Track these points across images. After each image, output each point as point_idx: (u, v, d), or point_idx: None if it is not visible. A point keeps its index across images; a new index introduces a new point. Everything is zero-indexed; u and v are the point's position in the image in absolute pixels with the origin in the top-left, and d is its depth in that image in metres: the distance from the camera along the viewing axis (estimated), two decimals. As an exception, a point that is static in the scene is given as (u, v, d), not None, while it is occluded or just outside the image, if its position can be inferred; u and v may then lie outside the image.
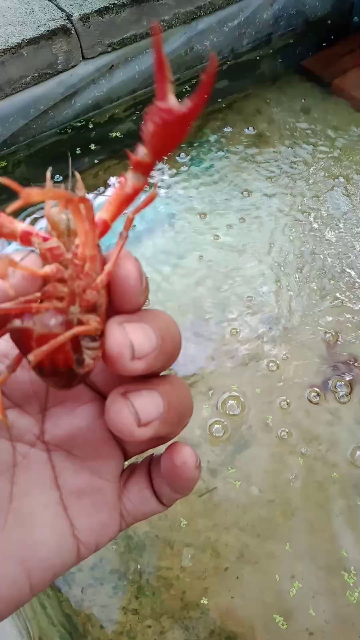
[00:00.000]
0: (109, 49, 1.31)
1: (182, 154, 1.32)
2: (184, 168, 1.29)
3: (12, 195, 0.16)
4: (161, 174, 1.28)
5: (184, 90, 1.47)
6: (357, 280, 1.07)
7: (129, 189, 0.19)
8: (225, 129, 1.37)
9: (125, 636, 0.73)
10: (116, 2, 1.26)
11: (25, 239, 0.20)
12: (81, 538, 0.23)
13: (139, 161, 0.19)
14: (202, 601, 0.75)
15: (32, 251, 0.20)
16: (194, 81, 1.49)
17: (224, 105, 1.44)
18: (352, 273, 1.08)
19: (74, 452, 0.24)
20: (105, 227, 0.20)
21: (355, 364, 0.95)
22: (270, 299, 1.04)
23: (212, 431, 0.88)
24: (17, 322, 0.19)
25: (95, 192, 1.25)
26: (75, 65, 1.29)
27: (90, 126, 1.38)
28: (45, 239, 0.20)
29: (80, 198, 0.18)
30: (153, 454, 0.25)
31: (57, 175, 1.14)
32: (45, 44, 1.22)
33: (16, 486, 0.22)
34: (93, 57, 1.30)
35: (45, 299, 0.20)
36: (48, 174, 0.19)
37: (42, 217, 1.19)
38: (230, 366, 0.96)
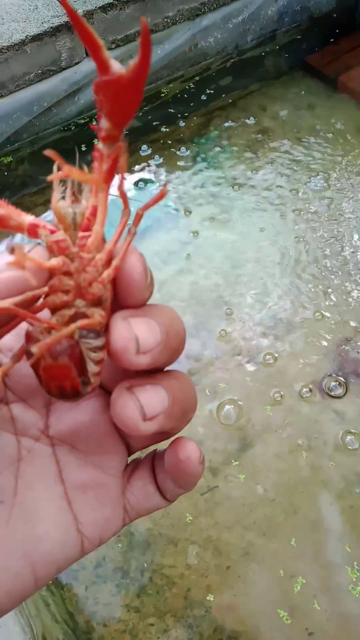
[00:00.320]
0: (113, 46, 1.31)
1: (185, 150, 1.31)
2: (187, 164, 1.29)
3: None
4: (164, 170, 1.28)
5: (187, 87, 1.46)
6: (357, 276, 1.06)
7: (107, 160, 0.19)
8: (229, 125, 1.37)
9: (128, 634, 0.73)
10: (120, -2, 1.25)
11: (33, 231, 0.20)
12: (85, 532, 0.23)
13: (105, 134, 0.19)
14: (206, 599, 0.74)
15: (39, 244, 0.20)
16: (197, 78, 1.48)
17: (228, 102, 1.43)
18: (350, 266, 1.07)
19: (78, 446, 0.24)
20: (94, 210, 0.20)
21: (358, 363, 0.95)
22: (273, 297, 1.04)
23: (213, 430, 0.88)
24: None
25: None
26: (78, 62, 1.29)
27: (94, 123, 1.38)
28: (52, 232, 0.20)
29: (122, 193, 0.19)
30: (156, 449, 0.25)
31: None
32: (48, 41, 1.21)
33: (20, 480, 0.22)
34: (97, 54, 1.30)
35: (51, 292, 0.20)
36: (55, 168, 0.19)
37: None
38: (231, 364, 0.96)
